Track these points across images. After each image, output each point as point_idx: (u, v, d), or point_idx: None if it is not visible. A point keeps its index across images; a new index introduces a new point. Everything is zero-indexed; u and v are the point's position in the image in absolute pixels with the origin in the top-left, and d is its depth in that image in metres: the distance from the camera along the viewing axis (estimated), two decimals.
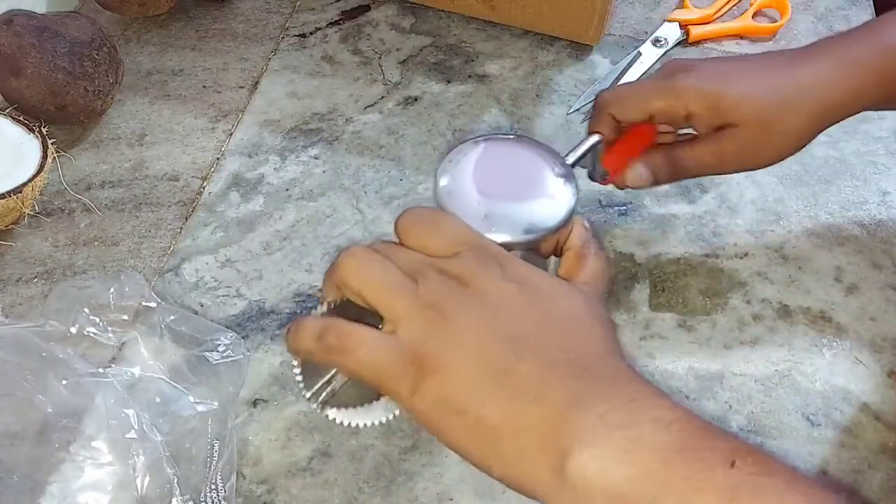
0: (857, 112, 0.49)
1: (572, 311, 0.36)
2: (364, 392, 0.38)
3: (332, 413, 0.38)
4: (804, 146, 0.49)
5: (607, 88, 0.50)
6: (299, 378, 0.38)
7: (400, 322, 0.35)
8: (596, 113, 0.50)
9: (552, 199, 0.41)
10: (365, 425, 0.38)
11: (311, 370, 0.38)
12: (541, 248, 0.42)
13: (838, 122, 0.49)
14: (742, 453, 0.31)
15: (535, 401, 0.33)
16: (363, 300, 0.36)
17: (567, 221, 0.41)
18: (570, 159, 0.47)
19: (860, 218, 0.62)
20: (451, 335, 0.34)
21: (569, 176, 0.43)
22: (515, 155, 0.44)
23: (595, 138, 0.49)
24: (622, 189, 0.54)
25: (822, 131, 0.49)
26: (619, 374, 0.34)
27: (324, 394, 0.38)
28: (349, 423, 0.38)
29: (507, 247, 0.39)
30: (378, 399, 0.38)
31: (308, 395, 0.38)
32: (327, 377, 0.38)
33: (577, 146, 0.49)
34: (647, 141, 0.52)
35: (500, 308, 0.35)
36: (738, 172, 0.51)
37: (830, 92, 0.48)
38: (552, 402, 0.33)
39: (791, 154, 0.49)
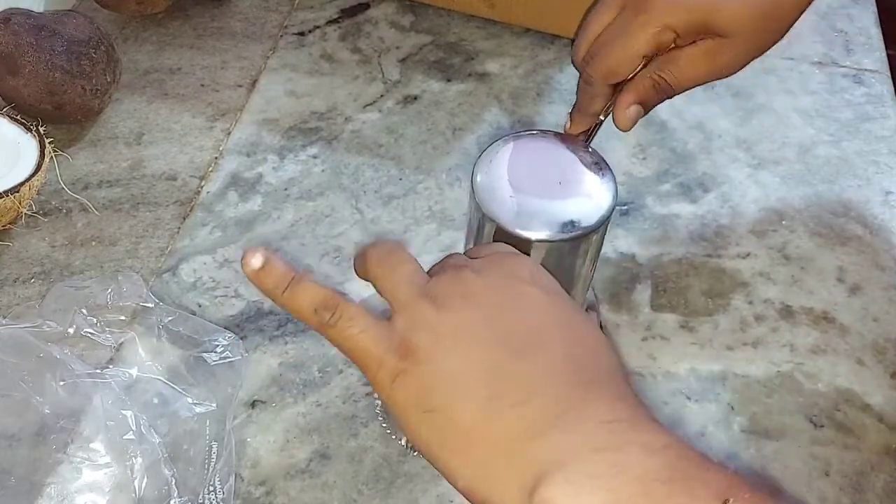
0: None
1: (586, 324, 0.35)
2: None
3: None
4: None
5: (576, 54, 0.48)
6: (385, 425, 0.40)
7: (398, 309, 0.34)
8: (591, 91, 0.47)
9: (589, 198, 0.42)
10: None
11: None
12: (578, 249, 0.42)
13: None
14: (736, 490, 0.28)
15: (519, 405, 0.31)
16: (375, 286, 0.35)
17: (605, 220, 0.41)
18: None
19: (863, 218, 0.61)
20: (445, 327, 0.32)
21: (605, 172, 0.43)
22: (550, 151, 0.44)
23: (603, 118, 0.49)
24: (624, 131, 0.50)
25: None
26: (619, 393, 0.32)
27: None
28: None
29: (542, 244, 0.40)
30: None
31: (403, 441, 0.40)
32: None
33: (592, 132, 0.49)
34: None
35: (508, 306, 0.33)
36: (730, 72, 0.47)
37: None
38: (536, 409, 0.30)
39: (793, 21, 0.46)
